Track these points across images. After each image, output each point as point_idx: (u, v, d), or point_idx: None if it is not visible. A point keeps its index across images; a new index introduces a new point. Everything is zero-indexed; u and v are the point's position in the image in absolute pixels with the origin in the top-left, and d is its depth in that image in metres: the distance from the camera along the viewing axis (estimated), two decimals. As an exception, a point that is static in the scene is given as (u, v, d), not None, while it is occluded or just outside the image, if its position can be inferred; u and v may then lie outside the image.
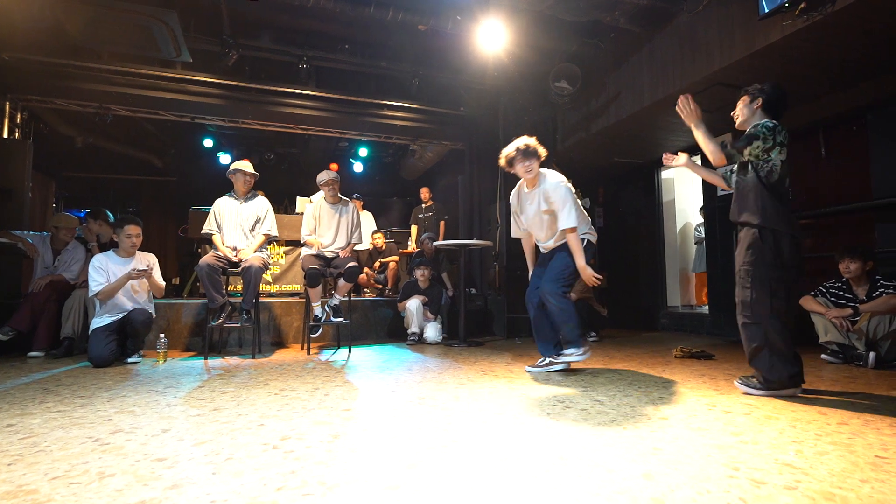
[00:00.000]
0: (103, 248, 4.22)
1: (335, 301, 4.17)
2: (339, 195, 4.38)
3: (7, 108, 5.17)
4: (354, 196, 5.89)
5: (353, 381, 2.83)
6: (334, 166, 8.31)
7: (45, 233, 4.37)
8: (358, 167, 9.34)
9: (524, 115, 5.99)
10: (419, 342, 4.72)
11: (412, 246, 6.89)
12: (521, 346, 4.60)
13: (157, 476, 1.36)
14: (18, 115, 5.36)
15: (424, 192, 6.76)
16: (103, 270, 3.56)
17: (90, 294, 3.57)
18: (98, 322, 3.54)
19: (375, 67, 5.73)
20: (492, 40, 4.56)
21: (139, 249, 3.75)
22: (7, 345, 3.79)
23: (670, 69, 4.32)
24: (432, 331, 4.73)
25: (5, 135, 5.16)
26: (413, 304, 4.77)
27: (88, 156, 7.75)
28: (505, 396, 2.39)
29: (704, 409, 2.15)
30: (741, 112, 2.55)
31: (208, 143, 8.48)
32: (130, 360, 3.59)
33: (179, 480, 1.33)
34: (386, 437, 1.74)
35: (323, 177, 4.27)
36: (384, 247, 6.43)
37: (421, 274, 4.97)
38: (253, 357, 3.81)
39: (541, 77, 5.48)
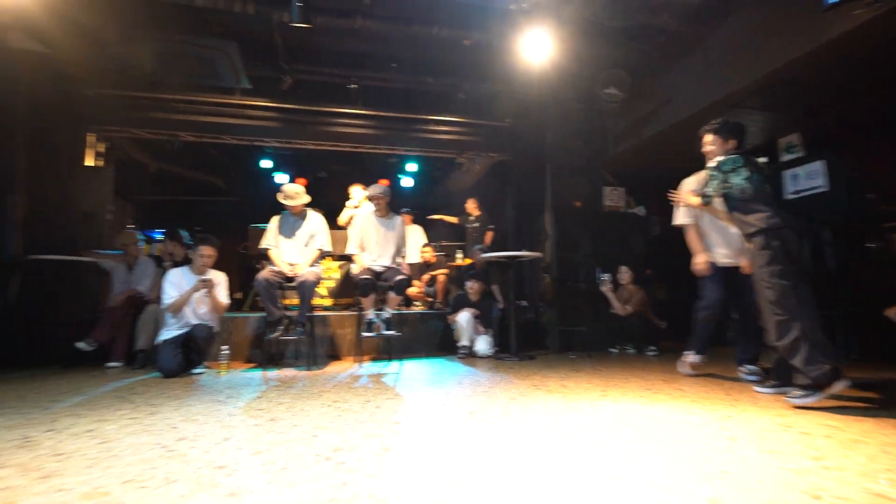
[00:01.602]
0: (177, 266, 4.50)
1: (386, 314, 4.22)
2: (389, 210, 4.46)
3: (91, 139, 5.66)
4: (403, 211, 5.98)
5: (404, 394, 2.84)
6: (384, 182, 8.50)
7: (120, 251, 4.72)
8: (407, 182, 9.50)
9: (571, 123, 5.90)
10: (470, 355, 4.69)
11: (459, 258, 6.90)
12: (576, 360, 4.47)
13: (217, 484, 1.41)
14: (101, 145, 5.86)
15: (471, 204, 6.74)
16: (176, 285, 3.81)
17: (162, 306, 3.82)
18: (166, 335, 3.77)
19: (421, 83, 5.84)
20: (536, 51, 4.53)
21: (212, 268, 3.99)
22: (88, 355, 4.10)
23: (726, 69, 4.12)
24: (483, 344, 4.69)
25: (90, 163, 5.65)
26: (463, 317, 4.75)
27: (160, 180, 8.35)
28: (558, 412, 2.32)
29: (779, 429, 1.99)
30: (712, 150, 2.95)
31: (266, 163, 8.91)
32: (196, 370, 3.79)
33: (237, 489, 1.37)
34: (435, 451, 1.72)
35: (372, 191, 4.37)
36: (434, 260, 6.47)
37: (471, 286, 4.95)
38: (308, 369, 3.91)
39: (587, 84, 5.38)
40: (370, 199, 4.39)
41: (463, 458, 1.63)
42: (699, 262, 3.39)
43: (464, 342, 4.74)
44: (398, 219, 4.49)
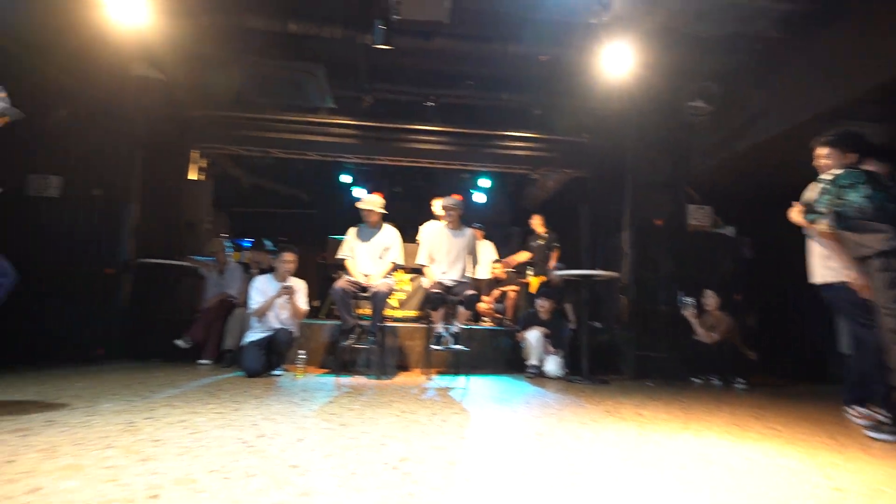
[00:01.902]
0: (262, 273, 4.84)
1: (455, 328, 4.23)
2: (460, 223, 4.50)
3: (195, 155, 6.26)
4: (475, 226, 6.00)
5: (471, 410, 2.81)
6: (457, 196, 8.60)
7: (214, 258, 5.14)
8: (479, 197, 9.56)
9: (653, 137, 5.64)
10: (538, 375, 4.57)
11: (530, 277, 6.78)
12: (653, 388, 4.20)
13: (291, 482, 1.47)
14: (203, 161, 6.47)
15: (536, 221, 6.56)
16: (261, 291, 4.08)
17: (248, 311, 4.10)
18: (250, 337, 4.04)
19: (497, 100, 5.87)
20: (616, 64, 4.41)
21: (293, 276, 4.23)
22: (184, 351, 4.48)
23: (834, 77, 3.76)
24: (553, 364, 4.55)
25: (193, 177, 6.24)
26: (533, 336, 4.65)
27: (251, 193, 9.05)
28: (633, 442, 2.18)
29: (897, 482, 1.73)
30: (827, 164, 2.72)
31: (345, 178, 9.36)
32: (275, 372, 4.01)
33: (309, 488, 1.42)
34: (502, 468, 1.68)
35: (444, 203, 4.43)
36: (505, 276, 6.42)
37: (542, 304, 4.84)
38: (378, 378, 4.00)
39: (671, 98, 5.14)
40: (442, 210, 4.45)
41: (530, 480, 1.57)
42: (854, 277, 2.62)
43: (533, 361, 4.63)
44: (469, 232, 4.51)
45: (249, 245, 5.85)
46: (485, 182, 9.20)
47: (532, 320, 4.82)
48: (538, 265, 6.19)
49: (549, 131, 6.27)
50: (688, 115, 4.95)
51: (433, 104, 5.84)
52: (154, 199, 5.43)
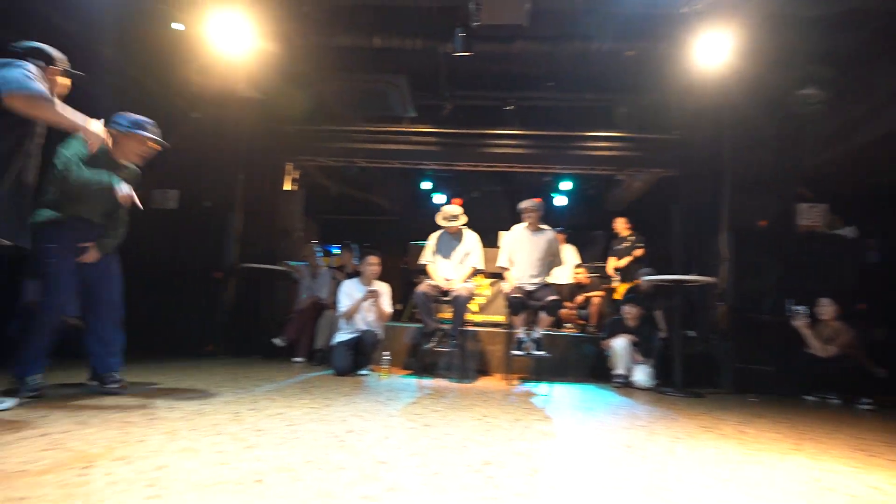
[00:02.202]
0: (350, 276, 5.10)
1: (536, 334, 4.16)
2: (540, 225, 4.42)
3: (289, 167, 6.75)
4: (557, 230, 5.85)
5: (554, 417, 2.74)
6: (532, 200, 8.46)
7: (306, 262, 5.49)
8: (561, 201, 9.33)
9: (756, 132, 5.17)
10: (626, 385, 4.36)
11: (615, 281, 6.50)
12: (758, 404, 3.84)
13: (378, 477, 1.53)
14: (296, 172, 6.95)
15: (620, 224, 6.23)
16: (349, 294, 4.30)
17: (337, 313, 4.33)
18: (339, 337, 4.26)
19: (580, 100, 5.72)
20: (711, 54, 4.12)
21: (378, 279, 4.41)
22: (280, 349, 4.82)
23: None
24: (642, 374, 4.32)
25: (288, 188, 6.73)
26: (620, 344, 4.45)
27: (338, 201, 9.56)
28: (735, 461, 2.01)
29: None
30: None
31: (426, 185, 9.59)
32: (361, 372, 4.19)
33: (395, 484, 1.46)
34: (587, 479, 1.63)
35: (523, 204, 4.39)
36: (588, 281, 6.21)
37: (628, 311, 4.62)
38: (459, 381, 4.04)
39: (776, 87, 4.68)
40: (521, 212, 4.41)
41: (618, 493, 1.50)
42: None
43: (619, 370, 4.42)
44: (550, 234, 4.42)
45: (337, 250, 6.20)
46: (566, 185, 8.97)
47: (618, 327, 4.61)
48: (623, 270, 5.91)
49: (636, 129, 5.98)
50: (797, 104, 4.48)
51: (512, 108, 5.81)
52: (254, 208, 5.93)
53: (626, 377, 4.40)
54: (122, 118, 2.70)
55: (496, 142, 6.19)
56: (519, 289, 4.19)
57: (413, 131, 6.23)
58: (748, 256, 5.04)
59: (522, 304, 4.12)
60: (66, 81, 2.22)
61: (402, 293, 7.71)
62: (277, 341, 4.80)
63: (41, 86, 1.87)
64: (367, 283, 4.38)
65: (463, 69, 5.28)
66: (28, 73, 1.87)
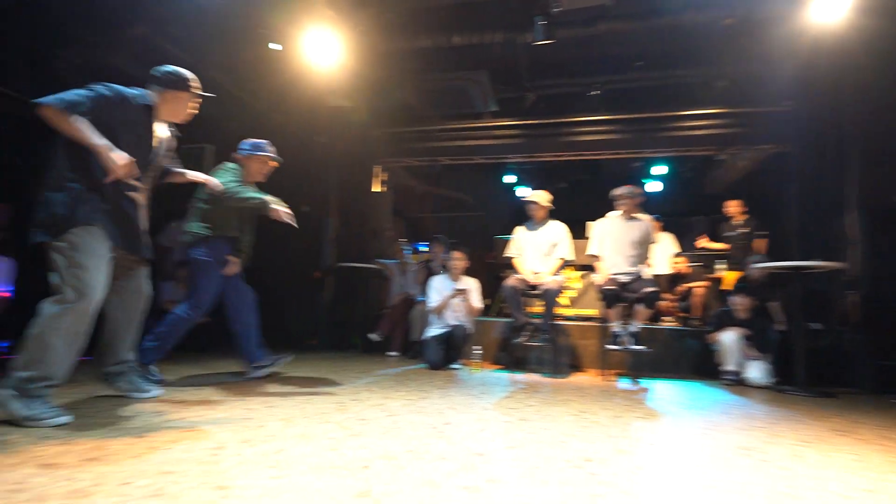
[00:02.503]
0: (439, 270, 5.23)
1: (633, 328, 3.96)
2: (635, 213, 4.20)
3: (377, 169, 7.03)
4: (652, 217, 5.51)
5: (657, 415, 2.59)
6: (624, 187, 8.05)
7: (396, 260, 5.69)
8: (654, 186, 8.79)
9: (883, 95, 4.48)
10: (738, 383, 4.00)
11: (720, 270, 5.99)
12: (902, 405, 3.34)
13: (477, 468, 1.54)
14: (383, 175, 7.22)
15: (733, 207, 5.67)
16: (438, 290, 4.40)
17: (427, 308, 4.45)
18: (431, 332, 4.36)
19: (671, 78, 5.33)
20: (826, 11, 3.63)
21: (465, 275, 4.47)
22: (376, 344, 5.05)
23: None
24: (757, 371, 3.94)
25: (377, 189, 7.01)
26: (729, 338, 4.09)
27: (423, 199, 9.80)
28: (880, 471, 1.76)
29: None
30: None
31: (509, 178, 9.50)
32: (453, 366, 4.26)
33: (494, 476, 1.47)
34: (699, 481, 1.52)
35: (618, 191, 4.20)
36: (689, 271, 5.79)
37: (738, 302, 4.23)
38: (552, 376, 3.96)
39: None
40: (616, 199, 4.22)
41: (737, 496, 1.39)
42: None
43: (730, 367, 4.07)
44: (645, 222, 4.18)
45: (426, 247, 6.37)
46: (660, 169, 8.45)
47: (727, 320, 4.24)
48: (734, 257, 5.40)
49: (738, 104, 5.46)
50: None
51: (598, 93, 5.57)
52: (346, 211, 6.26)
53: (738, 374, 4.04)
54: (244, 144, 3.14)
55: (582, 129, 5.97)
56: (612, 280, 4.01)
57: (495, 125, 6.20)
58: (883, 237, 4.40)
59: (617, 296, 3.94)
60: (196, 103, 2.39)
61: (489, 288, 7.73)
62: (373, 336, 5.04)
63: (76, 100, 1.93)
64: (455, 279, 4.45)
65: (544, 58, 5.14)
66: (79, 92, 1.97)
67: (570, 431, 2.09)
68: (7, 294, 3.55)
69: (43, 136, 2.04)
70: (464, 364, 4.41)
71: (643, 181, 8.86)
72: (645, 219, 4.23)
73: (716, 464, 1.74)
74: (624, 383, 3.80)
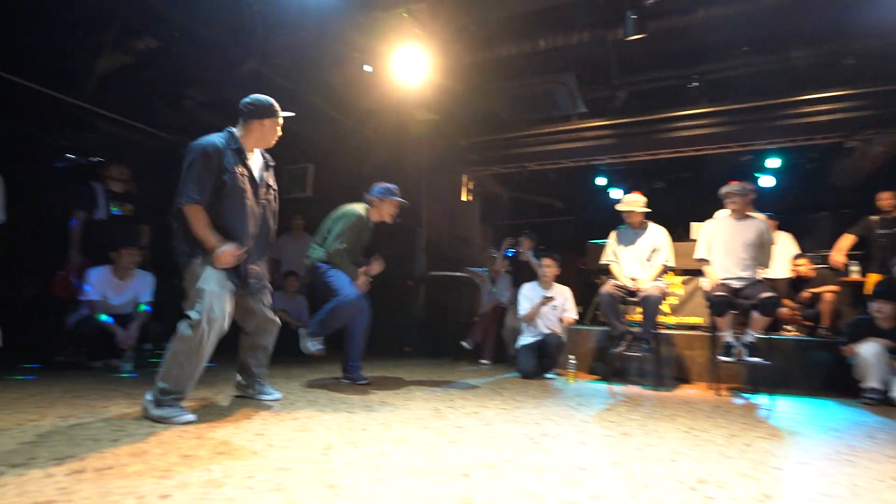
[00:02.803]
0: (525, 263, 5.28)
1: (749, 338, 3.60)
2: (747, 212, 3.83)
3: (465, 179, 7.12)
4: (767, 215, 4.97)
5: (781, 436, 2.33)
6: (733, 184, 7.37)
7: (485, 269, 5.69)
8: (767, 181, 7.94)
9: None
10: (883, 402, 3.46)
11: (854, 273, 5.24)
12: None
13: (580, 483, 1.49)
14: (471, 183, 7.30)
15: (886, 198, 4.85)
16: (528, 298, 4.33)
17: (518, 316, 4.40)
18: (522, 340, 4.30)
19: (786, 60, 4.80)
20: None
21: (557, 283, 4.37)
22: (467, 351, 5.08)
23: None
24: (906, 389, 3.39)
25: (465, 198, 7.10)
26: (870, 350, 3.56)
27: (511, 207, 9.73)
28: None
29: None
30: None
31: (601, 181, 9.13)
32: (547, 375, 4.16)
33: (599, 492, 1.41)
34: (846, 517, 1.33)
35: (727, 188, 3.87)
36: (813, 274, 5.14)
37: (880, 309, 3.68)
38: (655, 388, 3.72)
39: None
40: (724, 197, 3.89)
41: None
42: None
43: (871, 383, 3.53)
44: (760, 221, 3.79)
45: (512, 254, 6.33)
46: (773, 162, 7.63)
47: (867, 329, 3.69)
48: (878, 258, 4.68)
49: (870, 82, 4.78)
50: None
51: (697, 84, 5.17)
52: (436, 220, 6.40)
53: (884, 392, 3.49)
54: (377, 188, 3.56)
55: (680, 124, 5.58)
56: (723, 286, 3.68)
57: (584, 127, 6.00)
58: None
59: (728, 303, 3.60)
60: (279, 126, 2.48)
61: (582, 295, 7.46)
62: (465, 344, 5.07)
63: (193, 189, 2.16)
64: (546, 287, 4.35)
65: (636, 53, 4.90)
66: (197, 171, 2.17)
67: (679, 449, 1.95)
68: (148, 307, 4.08)
69: (176, 167, 2.32)
70: (558, 374, 4.29)
71: (754, 175, 8.06)
72: (759, 217, 3.84)
73: (862, 498, 1.51)
74: (740, 399, 3.46)
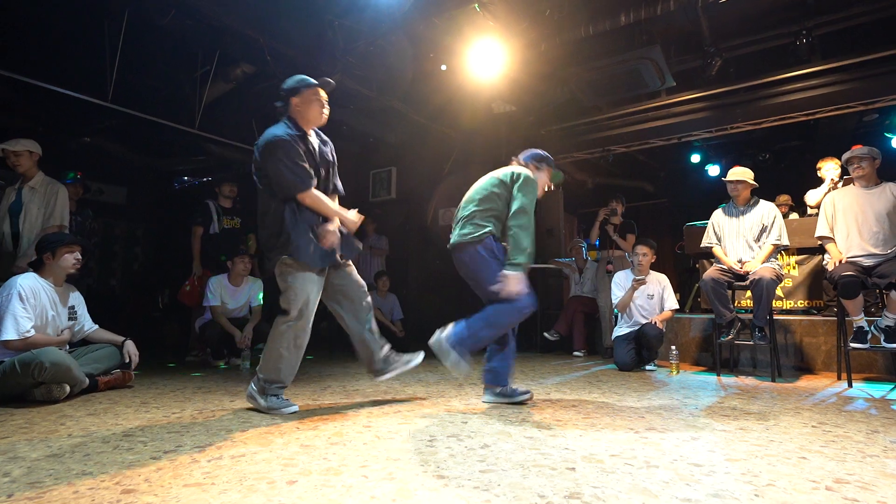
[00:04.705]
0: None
1: (888, 321, 3.17)
2: (876, 178, 3.37)
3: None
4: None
5: (939, 433, 2.02)
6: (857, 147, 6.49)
7: (572, 258, 5.53)
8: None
9: None
10: None
11: None
12: None
13: (697, 480, 1.41)
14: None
15: None
16: (621, 286, 4.15)
17: (613, 306, 4.24)
18: (618, 331, 4.13)
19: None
20: None
21: (652, 270, 4.16)
22: (556, 343, 4.98)
23: None
24: None
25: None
26: None
27: (597, 193, 9.35)
28: None
29: None
30: None
31: (695, 158, 8.48)
32: (647, 367, 3.97)
33: (719, 490, 1.32)
34: None
35: (849, 154, 3.44)
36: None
37: None
38: (772, 380, 3.40)
39: None
40: (845, 164, 3.45)
41: None
42: None
43: None
44: (887, 190, 3.32)
45: (598, 244, 6.09)
46: (906, 119, 6.63)
47: None
48: None
49: None
50: None
51: (805, 40, 4.62)
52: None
53: None
54: (529, 154, 3.07)
55: (788, 87, 5.02)
56: (851, 264, 3.27)
57: (674, 102, 5.61)
58: None
59: (858, 283, 3.20)
60: (322, 99, 2.45)
61: (679, 281, 7.00)
62: (549, 335, 4.97)
63: (301, 175, 2.24)
64: (638, 274, 4.13)
65: (730, 16, 4.49)
66: (296, 164, 2.25)
67: (808, 446, 1.77)
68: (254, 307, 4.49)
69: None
70: (658, 365, 4.07)
71: (887, 136, 7.04)
72: (891, 186, 3.36)
73: None
74: (876, 390, 3.06)
